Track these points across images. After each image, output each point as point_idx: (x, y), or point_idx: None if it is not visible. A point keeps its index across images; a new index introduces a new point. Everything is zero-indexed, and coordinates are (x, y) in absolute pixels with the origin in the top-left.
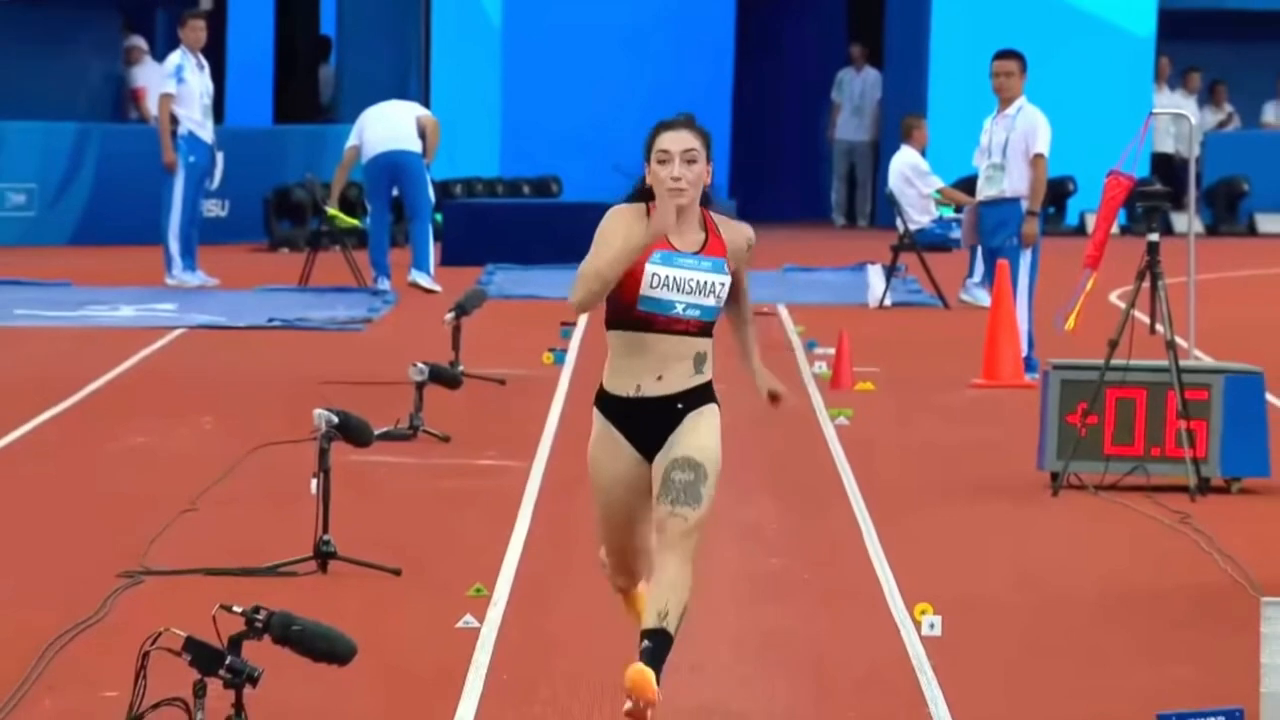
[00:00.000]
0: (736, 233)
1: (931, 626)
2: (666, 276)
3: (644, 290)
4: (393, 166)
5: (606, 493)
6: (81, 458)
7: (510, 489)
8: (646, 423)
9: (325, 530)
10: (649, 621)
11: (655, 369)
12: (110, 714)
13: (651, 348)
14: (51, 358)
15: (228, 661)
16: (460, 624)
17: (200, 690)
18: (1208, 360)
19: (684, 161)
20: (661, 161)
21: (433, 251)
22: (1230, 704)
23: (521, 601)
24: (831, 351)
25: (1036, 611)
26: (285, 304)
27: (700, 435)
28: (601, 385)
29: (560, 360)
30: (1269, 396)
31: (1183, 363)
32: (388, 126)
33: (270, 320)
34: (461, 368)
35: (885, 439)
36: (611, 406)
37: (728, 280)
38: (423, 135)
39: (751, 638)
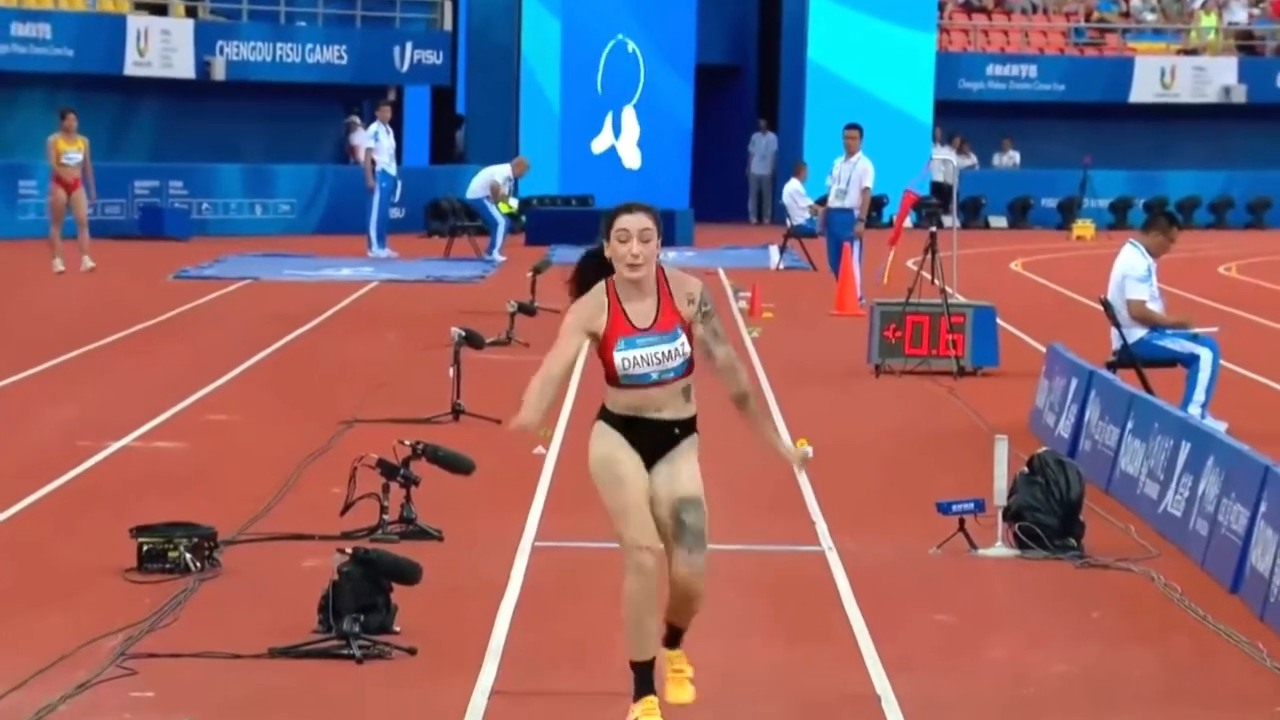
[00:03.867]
0: (682, 291)
1: (807, 453)
2: (634, 357)
3: (620, 372)
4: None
5: (619, 465)
6: (321, 354)
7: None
8: (648, 436)
9: (458, 396)
10: (667, 646)
11: (653, 408)
12: (334, 500)
13: (645, 397)
14: (303, 298)
15: (402, 472)
16: (535, 452)
17: (385, 490)
18: (964, 299)
19: (640, 240)
20: (621, 240)
21: (504, 238)
22: (977, 495)
23: (573, 434)
24: (748, 295)
25: (869, 441)
26: (435, 268)
27: (693, 466)
28: (604, 406)
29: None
30: (998, 320)
31: (949, 301)
32: (477, 179)
33: (427, 276)
34: (536, 303)
35: (781, 346)
36: (615, 419)
37: (686, 342)
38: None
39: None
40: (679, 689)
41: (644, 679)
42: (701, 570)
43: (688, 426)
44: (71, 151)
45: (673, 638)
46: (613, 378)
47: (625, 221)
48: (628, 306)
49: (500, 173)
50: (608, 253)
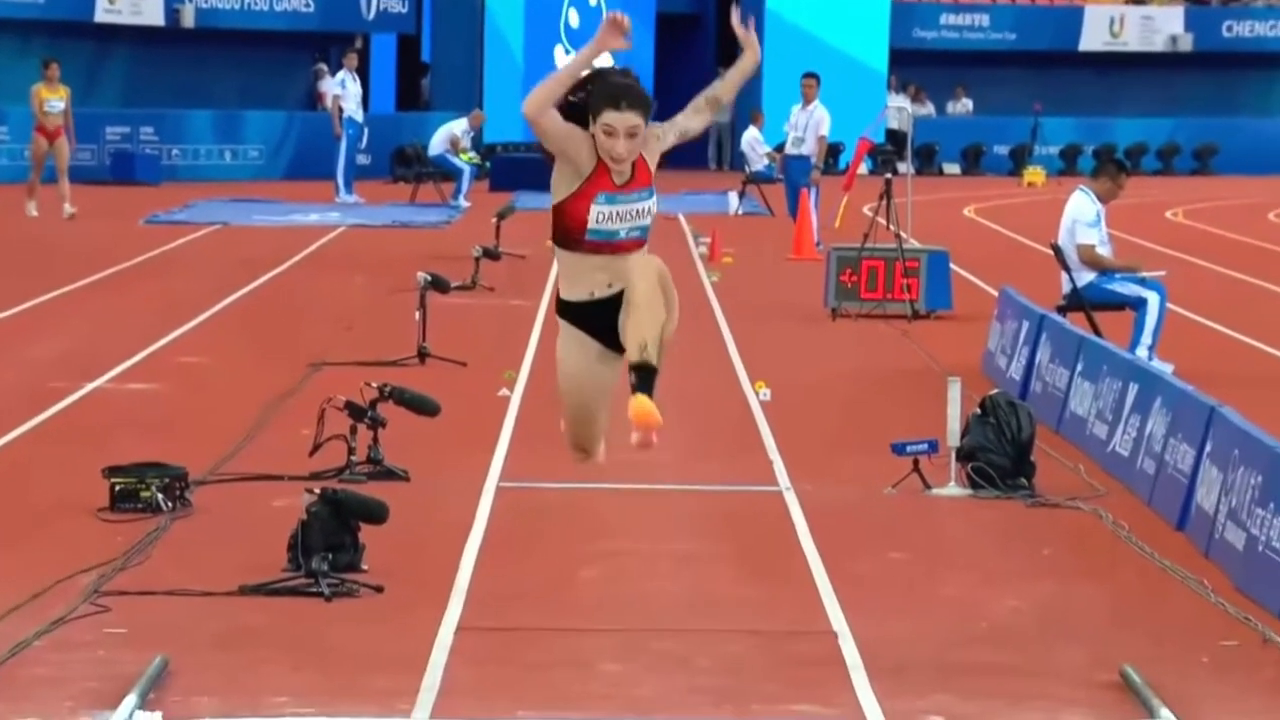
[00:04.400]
0: (649, 149)
1: (765, 395)
2: (610, 213)
3: (591, 224)
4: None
5: (574, 379)
6: (289, 296)
7: (529, 314)
8: (604, 318)
9: (424, 339)
10: (632, 356)
11: (605, 280)
12: (303, 441)
13: (601, 265)
14: (272, 242)
15: (369, 414)
16: (499, 394)
17: (353, 431)
18: (918, 245)
19: (627, 137)
20: (607, 134)
21: (469, 184)
22: (931, 436)
23: (537, 377)
24: (708, 240)
25: (826, 383)
26: (401, 213)
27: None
28: (558, 296)
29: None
30: (951, 265)
31: (904, 246)
32: (436, 136)
33: (393, 222)
34: (501, 248)
35: (740, 289)
36: (571, 311)
37: (655, 203)
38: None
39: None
40: (638, 403)
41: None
42: (651, 259)
43: None
44: (54, 100)
45: (643, 383)
46: (575, 236)
47: (612, 119)
48: (610, 164)
49: (458, 127)
50: (591, 128)
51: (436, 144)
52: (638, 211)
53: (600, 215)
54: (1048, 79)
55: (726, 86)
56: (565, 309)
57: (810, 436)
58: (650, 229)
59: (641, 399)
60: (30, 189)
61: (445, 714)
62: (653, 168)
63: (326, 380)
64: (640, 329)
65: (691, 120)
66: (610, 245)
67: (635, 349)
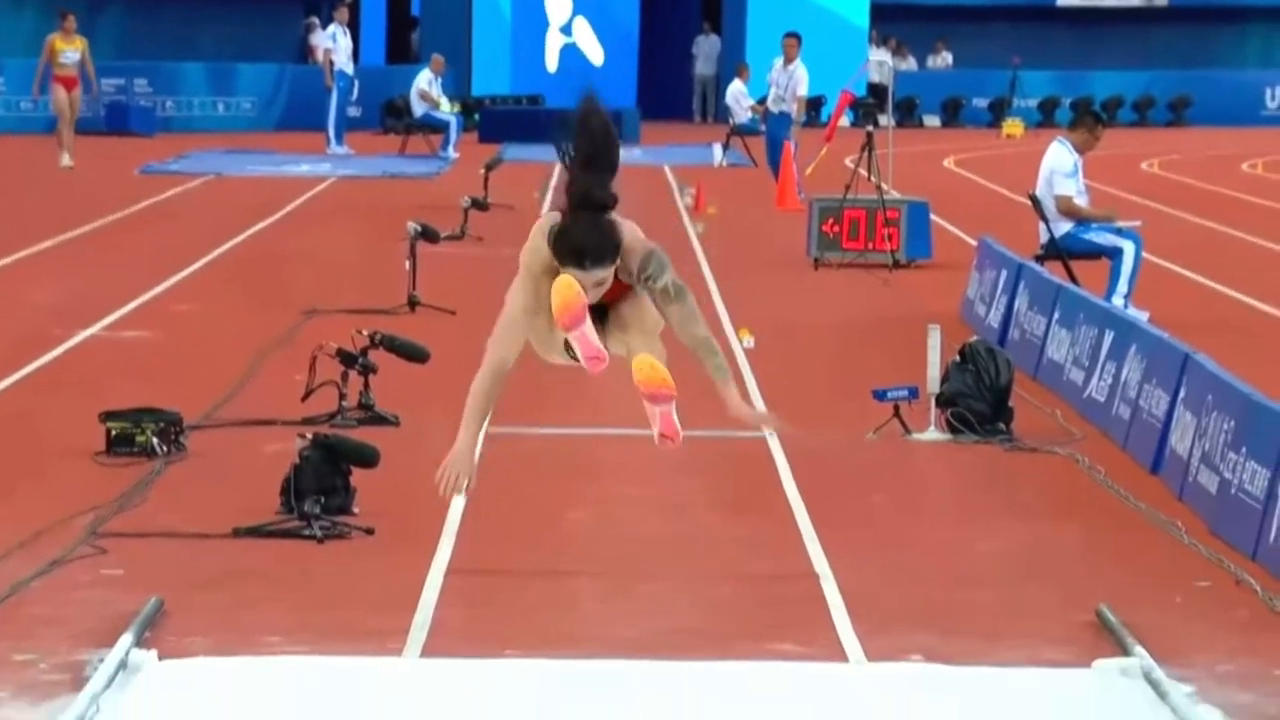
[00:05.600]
0: (625, 270)
1: (749, 343)
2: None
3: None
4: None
5: (532, 276)
6: (282, 247)
7: (516, 262)
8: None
9: (414, 288)
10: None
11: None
12: (296, 387)
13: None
14: (264, 192)
15: (360, 360)
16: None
17: (345, 378)
18: (898, 195)
19: (594, 286)
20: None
21: (458, 135)
22: (911, 383)
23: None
24: (693, 191)
25: (809, 331)
26: (391, 164)
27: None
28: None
29: (543, 197)
30: (931, 215)
31: (885, 197)
32: (411, 98)
33: (384, 173)
34: (489, 199)
35: (724, 239)
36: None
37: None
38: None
39: None
40: (642, 363)
41: None
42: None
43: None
44: (69, 51)
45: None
46: None
47: (578, 277)
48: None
49: (423, 80)
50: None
51: (416, 105)
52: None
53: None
54: (1026, 33)
55: (688, 342)
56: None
57: (793, 383)
58: None
59: (644, 359)
60: (60, 139)
61: (435, 653)
62: (626, 276)
63: (318, 328)
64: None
65: (663, 307)
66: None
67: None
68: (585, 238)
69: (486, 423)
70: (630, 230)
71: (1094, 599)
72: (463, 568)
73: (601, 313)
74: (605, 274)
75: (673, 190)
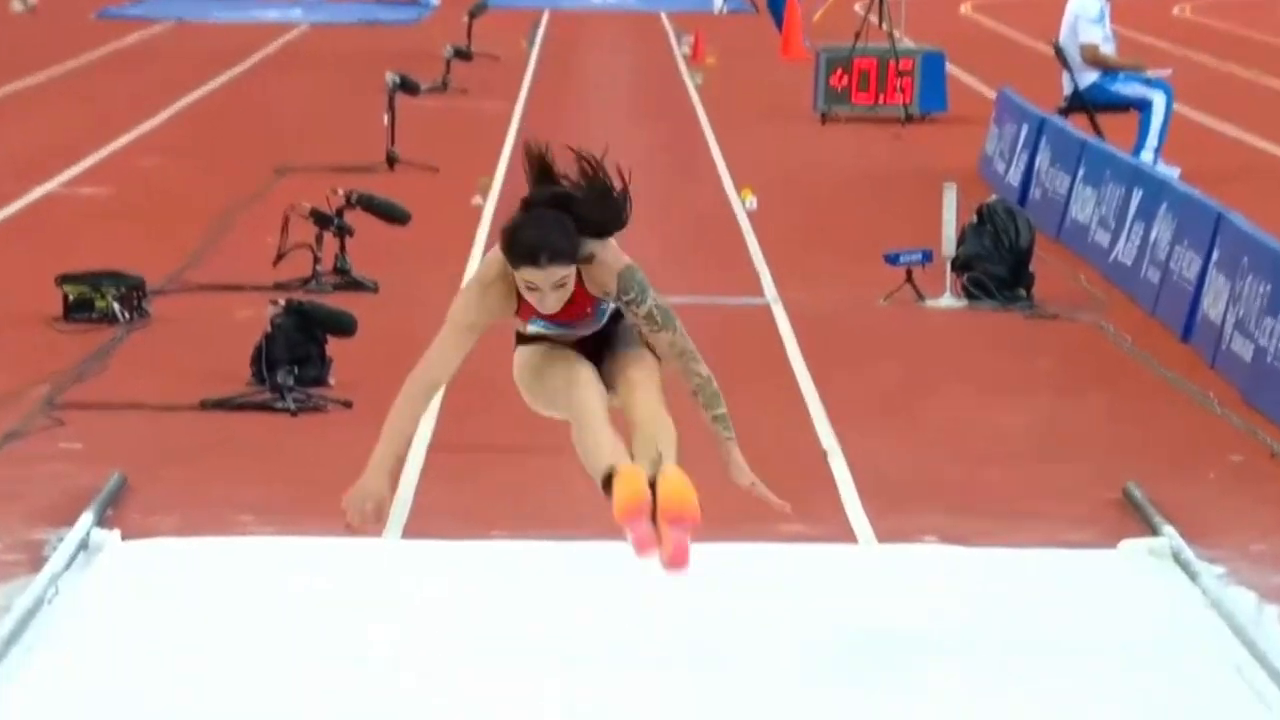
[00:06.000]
0: (597, 285)
1: (752, 204)
2: (547, 333)
3: (531, 330)
4: None
5: (548, 359)
6: (251, 99)
7: (503, 116)
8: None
9: (392, 144)
10: (649, 473)
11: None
12: (267, 250)
13: (562, 339)
14: (231, 40)
15: (336, 221)
16: (472, 202)
17: (319, 240)
18: (912, 44)
19: (555, 288)
20: (530, 288)
21: None
22: (925, 245)
23: (511, 184)
24: (691, 39)
25: (816, 186)
26: (368, 10)
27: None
28: (516, 330)
29: (531, 45)
30: (947, 65)
31: (897, 46)
32: None
33: (360, 19)
34: (473, 48)
35: (725, 93)
36: (532, 340)
37: (609, 308)
38: None
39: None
40: (669, 482)
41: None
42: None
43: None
44: None
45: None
46: (517, 329)
47: (534, 276)
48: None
49: None
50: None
51: None
52: (583, 326)
53: (535, 329)
54: None
55: (687, 380)
56: (525, 341)
57: (799, 247)
58: (613, 313)
59: (673, 473)
60: None
61: (417, 533)
62: (601, 294)
63: (290, 186)
64: (650, 445)
65: (650, 335)
66: (565, 340)
67: (650, 465)
68: (536, 232)
69: (408, 443)
70: (606, 246)
71: (1120, 475)
72: (446, 443)
73: (594, 343)
74: (565, 273)
75: (669, 38)
